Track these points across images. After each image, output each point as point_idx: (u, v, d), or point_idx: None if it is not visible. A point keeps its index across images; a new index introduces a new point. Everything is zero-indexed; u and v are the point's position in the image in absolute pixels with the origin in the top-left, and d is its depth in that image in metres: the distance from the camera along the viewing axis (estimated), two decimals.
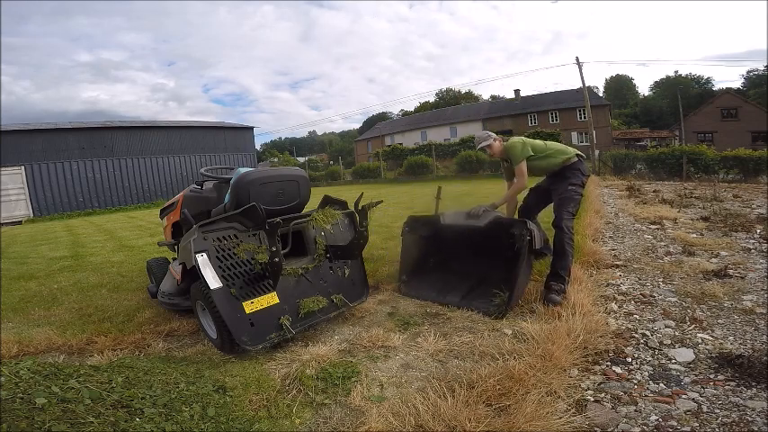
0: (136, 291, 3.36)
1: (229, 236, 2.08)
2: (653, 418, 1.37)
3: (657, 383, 1.58)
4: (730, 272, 2.78)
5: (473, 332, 2.13)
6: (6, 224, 14.29)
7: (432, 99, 54.21)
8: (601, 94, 41.06)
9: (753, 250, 3.35)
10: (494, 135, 3.01)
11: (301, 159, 43.45)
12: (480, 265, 2.68)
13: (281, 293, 2.10)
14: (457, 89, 53.81)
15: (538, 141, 2.97)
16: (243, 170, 2.33)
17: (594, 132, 18.85)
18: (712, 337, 1.92)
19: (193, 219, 2.13)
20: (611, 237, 4.30)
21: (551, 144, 2.97)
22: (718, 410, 1.38)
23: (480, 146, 2.98)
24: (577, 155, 2.91)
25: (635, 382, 1.61)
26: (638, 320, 2.18)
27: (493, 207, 2.86)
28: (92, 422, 1.16)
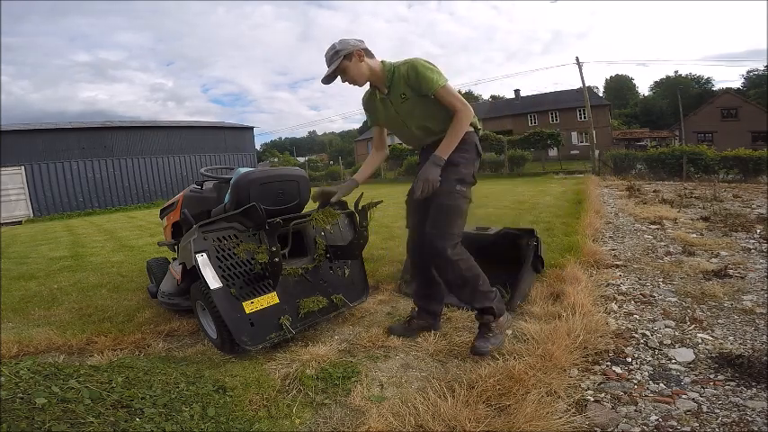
0: (136, 291, 3.36)
1: (229, 236, 2.08)
2: (653, 418, 1.37)
3: (657, 383, 1.58)
4: (730, 272, 2.78)
5: (473, 332, 2.12)
6: (6, 224, 14.30)
7: None
8: (601, 94, 41.08)
9: (753, 250, 3.35)
10: (351, 47, 1.80)
11: (301, 159, 43.47)
12: (483, 271, 2.72)
13: (281, 293, 2.10)
14: (457, 89, 53.71)
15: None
16: (243, 170, 2.33)
17: (594, 132, 18.86)
18: (712, 337, 1.92)
19: (193, 219, 2.13)
20: (611, 237, 4.30)
21: None
22: (718, 410, 1.38)
23: (328, 72, 1.82)
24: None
25: (635, 382, 1.60)
26: (638, 320, 2.18)
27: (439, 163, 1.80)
28: (92, 422, 1.16)
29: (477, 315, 1.91)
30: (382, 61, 1.92)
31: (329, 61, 1.84)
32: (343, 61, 1.81)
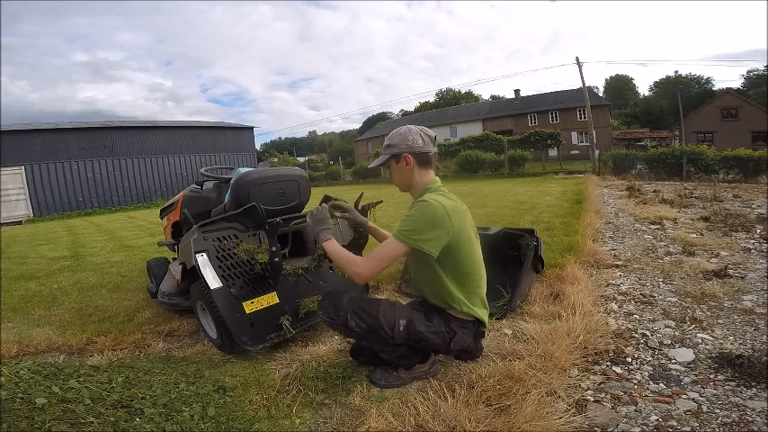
0: (136, 291, 3.36)
1: (229, 236, 2.07)
2: (653, 418, 1.37)
3: (657, 383, 1.58)
4: (730, 272, 2.78)
5: None
6: (6, 224, 14.29)
7: (432, 99, 54.29)
8: (601, 94, 41.06)
9: (753, 250, 3.35)
10: (402, 147, 1.59)
11: (301, 159, 43.40)
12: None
13: (281, 293, 2.10)
14: (457, 89, 53.84)
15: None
16: (243, 170, 2.33)
17: (594, 132, 18.84)
18: (712, 337, 1.92)
19: (193, 219, 2.13)
20: (611, 237, 4.30)
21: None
22: (718, 410, 1.38)
23: (377, 162, 1.72)
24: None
25: (635, 382, 1.61)
26: (638, 320, 2.18)
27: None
28: (92, 422, 1.16)
29: None
30: (432, 180, 1.63)
31: (390, 148, 1.64)
32: (390, 159, 1.64)
